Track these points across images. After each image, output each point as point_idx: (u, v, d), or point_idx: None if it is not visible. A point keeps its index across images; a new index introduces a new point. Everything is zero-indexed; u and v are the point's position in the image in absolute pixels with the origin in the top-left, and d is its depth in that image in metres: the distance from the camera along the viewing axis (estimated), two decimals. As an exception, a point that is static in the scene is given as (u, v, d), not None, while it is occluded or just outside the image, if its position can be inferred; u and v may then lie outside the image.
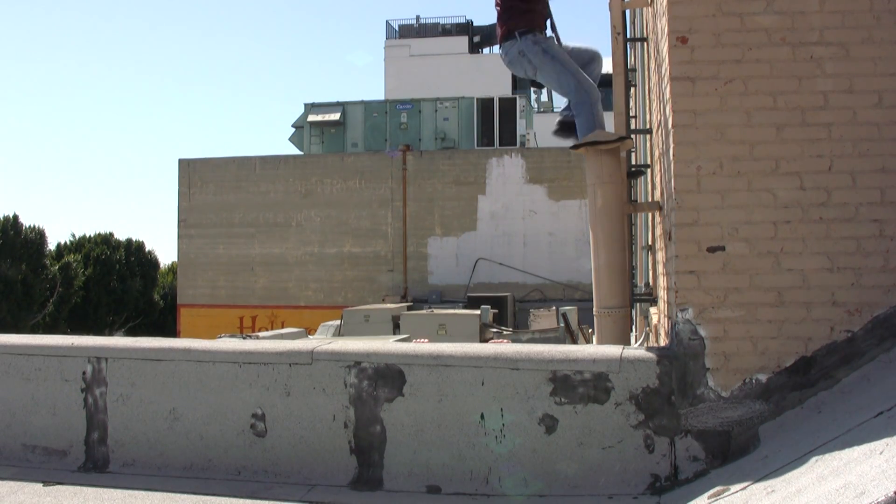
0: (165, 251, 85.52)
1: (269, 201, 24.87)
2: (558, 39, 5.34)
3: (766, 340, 3.62)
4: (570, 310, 12.91)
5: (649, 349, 3.99)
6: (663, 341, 4.66)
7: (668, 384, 3.66)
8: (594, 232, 4.39)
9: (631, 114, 6.97)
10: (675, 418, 3.64)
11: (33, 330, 26.41)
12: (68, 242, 33.48)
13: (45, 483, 4.02)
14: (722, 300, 3.66)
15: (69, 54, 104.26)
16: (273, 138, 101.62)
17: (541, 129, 29.97)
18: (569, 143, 5.31)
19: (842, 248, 3.60)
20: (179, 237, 25.53)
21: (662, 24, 4.09)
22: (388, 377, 3.89)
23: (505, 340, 4.61)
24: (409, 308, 19.72)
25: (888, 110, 3.61)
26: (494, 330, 12.51)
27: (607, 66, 5.28)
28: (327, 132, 27.88)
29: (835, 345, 3.57)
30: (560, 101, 36.41)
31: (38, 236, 29.23)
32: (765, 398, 3.59)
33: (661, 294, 4.94)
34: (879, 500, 2.25)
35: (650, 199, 6.44)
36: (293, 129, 29.11)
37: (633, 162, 7.67)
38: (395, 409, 3.88)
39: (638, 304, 7.31)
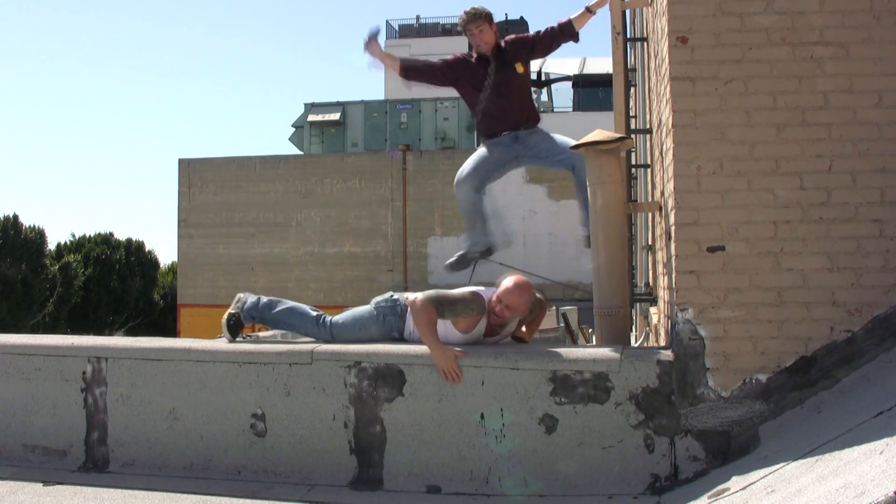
0: (165, 251, 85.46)
1: (269, 201, 24.88)
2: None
3: (766, 340, 3.62)
4: (570, 310, 12.86)
5: (649, 349, 3.99)
6: (663, 341, 4.66)
7: (668, 384, 3.66)
8: (594, 232, 4.39)
9: (631, 114, 6.97)
10: (675, 418, 3.64)
11: (33, 330, 26.39)
12: (68, 242, 33.46)
13: (45, 483, 4.02)
14: (722, 300, 3.66)
15: (69, 54, 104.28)
16: (273, 138, 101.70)
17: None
18: (460, 276, 5.32)
19: (842, 248, 3.60)
20: (179, 237, 25.54)
21: (662, 24, 4.09)
22: (388, 377, 3.89)
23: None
24: (409, 308, 19.65)
25: (888, 110, 3.61)
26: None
27: (607, 66, 5.28)
28: (327, 132, 27.88)
29: (835, 345, 3.58)
30: (560, 103, 36.43)
31: (38, 236, 29.20)
32: (765, 398, 3.59)
33: (661, 294, 4.94)
34: (879, 500, 2.25)
35: (650, 199, 6.44)
36: (293, 129, 29.11)
37: (633, 162, 7.67)
38: (395, 408, 3.88)
39: (638, 304, 7.31)
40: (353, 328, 4.28)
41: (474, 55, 5.18)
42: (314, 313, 4.41)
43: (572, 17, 5.13)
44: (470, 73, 5.15)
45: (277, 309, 4.48)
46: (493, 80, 5.07)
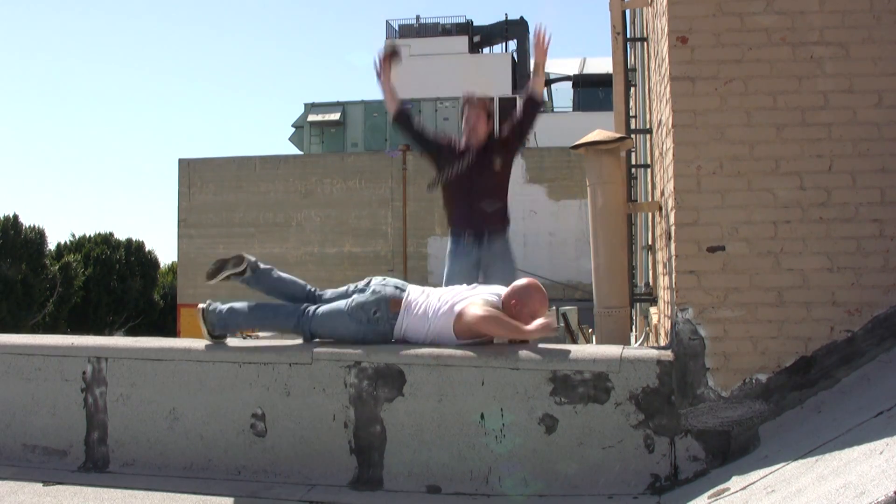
0: (165, 251, 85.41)
1: (269, 201, 24.88)
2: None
3: (766, 340, 3.62)
4: (570, 310, 12.87)
5: (649, 349, 3.99)
6: (663, 341, 4.66)
7: (668, 384, 3.66)
8: (594, 232, 4.39)
9: (631, 114, 6.98)
10: (675, 418, 3.64)
11: (33, 330, 26.40)
12: (68, 242, 33.48)
13: (45, 483, 4.02)
14: (722, 300, 3.66)
15: (69, 54, 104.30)
16: (273, 138, 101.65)
17: (541, 129, 29.96)
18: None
19: (842, 248, 3.60)
20: (179, 237, 25.56)
21: (662, 23, 4.09)
22: (388, 377, 3.89)
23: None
24: (409, 308, 19.64)
25: (888, 110, 3.61)
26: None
27: (607, 66, 5.28)
28: (327, 132, 27.91)
29: (835, 345, 3.58)
30: (560, 103, 36.45)
31: (38, 236, 29.22)
32: (765, 398, 3.59)
33: (661, 294, 4.94)
34: (879, 500, 2.25)
35: (650, 199, 6.45)
36: (293, 129, 29.14)
37: (633, 162, 7.68)
38: (395, 409, 3.88)
39: (638, 304, 7.31)
40: (331, 334, 4.15)
41: (462, 144, 4.98)
42: (297, 312, 4.16)
43: (529, 84, 4.93)
44: (450, 160, 4.95)
45: (251, 313, 4.27)
46: (462, 168, 4.88)
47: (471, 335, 3.99)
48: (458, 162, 4.92)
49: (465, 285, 4.20)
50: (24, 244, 28.27)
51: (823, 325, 3.59)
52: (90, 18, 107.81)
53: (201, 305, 4.33)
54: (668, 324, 4.10)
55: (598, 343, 4.42)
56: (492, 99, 5.01)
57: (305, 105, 28.60)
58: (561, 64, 36.77)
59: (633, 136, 6.55)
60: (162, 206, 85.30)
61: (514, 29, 34.63)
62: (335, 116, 27.60)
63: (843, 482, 2.54)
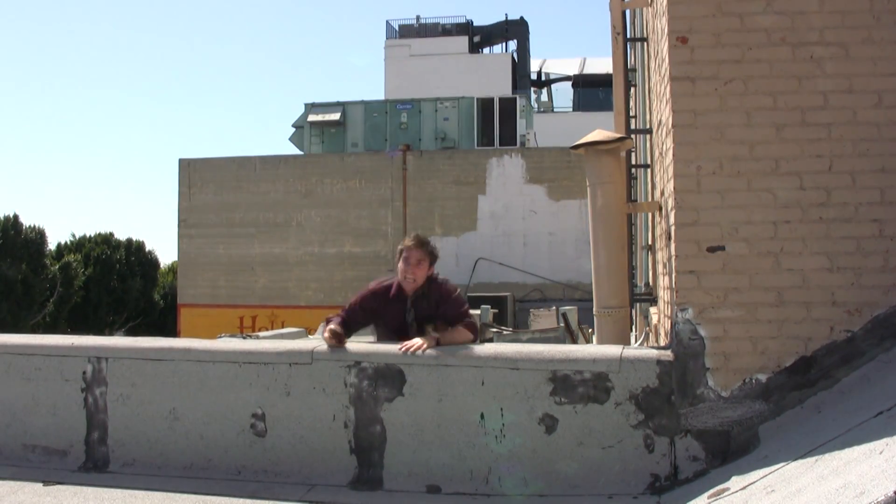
0: (165, 251, 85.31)
1: (269, 201, 24.87)
2: None
3: (766, 340, 3.62)
4: (570, 310, 12.86)
5: (649, 349, 3.99)
6: (663, 341, 4.66)
7: (668, 384, 3.66)
8: (594, 232, 4.39)
9: (631, 114, 6.98)
10: (675, 418, 3.64)
11: (33, 330, 26.36)
12: (68, 242, 33.46)
13: (45, 483, 4.02)
14: (722, 300, 3.66)
15: (69, 54, 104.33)
16: (273, 138, 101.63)
17: (541, 129, 29.97)
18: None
19: (842, 248, 3.61)
20: (179, 237, 25.53)
21: (662, 24, 4.09)
22: (388, 377, 3.89)
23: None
24: (409, 308, 19.63)
25: (888, 110, 3.62)
26: (494, 330, 12.49)
27: (607, 66, 5.26)
28: (327, 132, 27.88)
29: (835, 345, 3.58)
30: (560, 103, 36.44)
31: (38, 236, 29.19)
32: (765, 398, 3.59)
33: (661, 294, 4.94)
34: (879, 499, 2.25)
35: (650, 199, 6.45)
36: (293, 129, 29.12)
37: (633, 162, 7.67)
38: (395, 408, 3.88)
39: (638, 304, 7.31)
40: None
41: (392, 291, 4.40)
42: None
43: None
44: (384, 315, 4.40)
45: None
46: (412, 319, 4.31)
47: None
48: (403, 314, 4.36)
49: None
50: (24, 244, 28.24)
51: (823, 325, 3.59)
52: (90, 18, 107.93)
53: None
54: (668, 324, 4.10)
55: (598, 343, 4.42)
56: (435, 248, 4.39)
57: (305, 105, 28.54)
58: (561, 64, 36.77)
59: (633, 136, 6.55)
60: (162, 206, 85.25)
61: (514, 29, 34.60)
62: (335, 116, 27.55)
63: (842, 482, 2.54)
